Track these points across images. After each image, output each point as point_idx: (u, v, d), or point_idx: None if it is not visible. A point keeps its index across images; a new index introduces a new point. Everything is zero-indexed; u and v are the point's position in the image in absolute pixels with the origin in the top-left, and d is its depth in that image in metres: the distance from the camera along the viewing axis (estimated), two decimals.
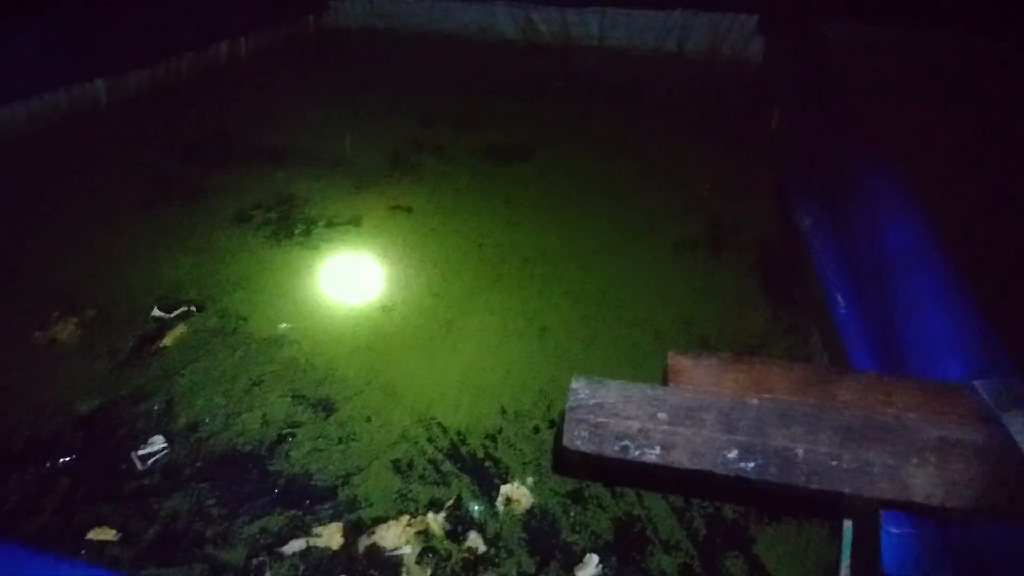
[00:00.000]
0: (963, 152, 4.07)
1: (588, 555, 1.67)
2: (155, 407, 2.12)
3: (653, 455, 1.14)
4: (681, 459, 1.15)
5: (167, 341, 2.40)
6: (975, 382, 1.27)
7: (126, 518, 1.76)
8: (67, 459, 1.94)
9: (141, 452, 1.95)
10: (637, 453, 1.15)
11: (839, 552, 1.68)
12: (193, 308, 2.57)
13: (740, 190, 3.65)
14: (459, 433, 2.03)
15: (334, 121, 4.64)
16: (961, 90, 5.28)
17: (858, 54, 5.65)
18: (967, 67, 5.59)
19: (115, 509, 1.78)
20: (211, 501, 1.81)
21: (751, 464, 1.12)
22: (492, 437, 2.02)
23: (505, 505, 1.80)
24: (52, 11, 4.42)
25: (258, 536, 1.71)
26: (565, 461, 1.84)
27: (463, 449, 1.98)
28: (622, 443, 1.15)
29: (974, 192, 3.54)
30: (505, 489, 1.84)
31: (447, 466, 1.92)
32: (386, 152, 4.08)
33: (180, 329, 2.46)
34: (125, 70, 4.83)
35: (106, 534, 1.72)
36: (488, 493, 1.83)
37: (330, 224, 3.21)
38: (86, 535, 1.71)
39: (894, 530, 1.29)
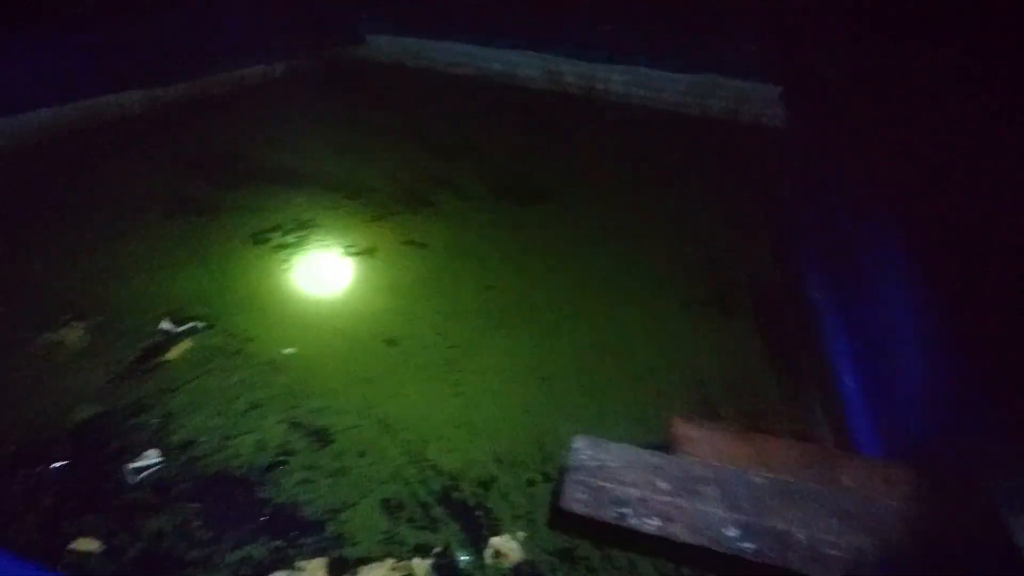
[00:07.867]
0: (985, 221, 4.04)
1: None
2: (151, 421, 2.11)
3: (652, 526, 1.13)
4: (680, 532, 1.13)
5: (171, 355, 2.41)
6: (988, 479, 1.25)
7: (112, 531, 1.74)
8: (59, 465, 1.92)
9: (134, 464, 1.94)
10: (635, 522, 1.14)
11: None
12: (200, 324, 2.58)
13: (752, 253, 3.67)
14: (452, 477, 2.01)
15: (358, 151, 4.72)
16: (982, 159, 5.29)
17: (877, 125, 5.70)
18: (990, 138, 5.60)
19: (102, 521, 1.76)
20: (198, 523, 1.79)
21: (750, 544, 1.10)
22: (485, 485, 1.99)
23: (493, 558, 1.76)
24: (96, 20, 4.58)
25: (240, 565, 1.68)
26: (560, 518, 1.81)
27: (455, 495, 1.95)
28: (621, 510, 1.14)
29: (1000, 264, 3.51)
30: (494, 541, 1.80)
31: (437, 511, 1.89)
32: (405, 185, 4.14)
33: (185, 344, 2.47)
34: (161, 82, 4.97)
35: (90, 545, 1.71)
36: (476, 544, 1.80)
37: (344, 253, 3.24)
38: (70, 544, 1.70)
39: None
